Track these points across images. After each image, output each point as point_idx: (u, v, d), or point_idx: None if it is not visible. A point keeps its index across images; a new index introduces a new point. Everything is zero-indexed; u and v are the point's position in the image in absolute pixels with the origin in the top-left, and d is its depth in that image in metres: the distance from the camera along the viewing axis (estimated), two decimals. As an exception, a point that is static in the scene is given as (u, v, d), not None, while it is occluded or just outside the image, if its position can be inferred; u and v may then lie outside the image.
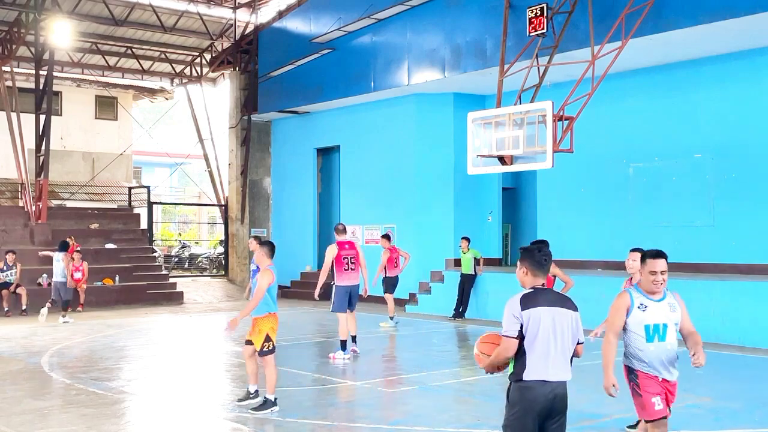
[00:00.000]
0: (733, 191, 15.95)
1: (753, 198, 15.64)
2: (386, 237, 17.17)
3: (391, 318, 16.48)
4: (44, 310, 16.95)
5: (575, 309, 5.02)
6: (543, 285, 5.06)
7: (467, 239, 17.79)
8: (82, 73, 30.19)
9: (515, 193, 22.30)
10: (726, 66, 15.99)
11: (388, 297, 16.69)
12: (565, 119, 13.89)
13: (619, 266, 17.29)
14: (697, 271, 15.47)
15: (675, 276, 15.14)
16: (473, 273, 17.82)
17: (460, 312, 17.82)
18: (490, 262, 20.23)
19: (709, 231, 16.17)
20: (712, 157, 16.28)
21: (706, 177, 16.38)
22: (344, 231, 12.58)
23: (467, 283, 17.97)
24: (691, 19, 14.13)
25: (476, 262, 17.87)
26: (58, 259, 17.53)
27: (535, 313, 4.88)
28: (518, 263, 5.16)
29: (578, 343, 5.05)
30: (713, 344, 13.54)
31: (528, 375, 4.87)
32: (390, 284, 16.81)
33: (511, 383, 5.00)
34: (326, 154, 24.96)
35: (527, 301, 4.92)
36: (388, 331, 15.92)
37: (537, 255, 5.10)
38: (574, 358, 5.06)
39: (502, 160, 14.47)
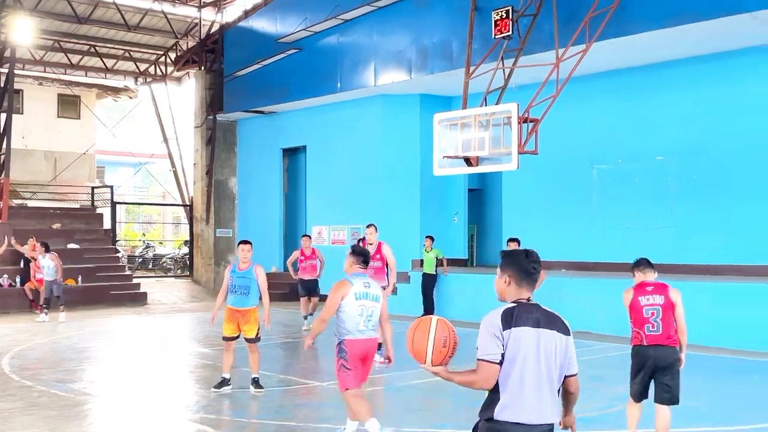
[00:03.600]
0: (694, 193, 16.20)
1: (713, 200, 15.90)
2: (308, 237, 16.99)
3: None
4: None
5: (567, 332, 3.97)
6: (528, 299, 3.98)
7: (431, 238, 17.86)
8: (44, 71, 29.78)
9: (481, 194, 22.43)
10: (687, 70, 16.23)
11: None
12: (530, 121, 14.01)
13: (583, 267, 17.58)
14: (659, 272, 15.62)
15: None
16: (435, 273, 17.88)
17: (425, 313, 17.89)
18: (455, 262, 20.31)
19: (671, 232, 16.41)
20: (674, 159, 16.52)
21: (668, 179, 16.62)
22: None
23: (429, 283, 18.02)
24: (653, 23, 14.34)
25: (439, 262, 17.92)
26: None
27: (517, 335, 3.82)
28: (498, 270, 4.06)
29: (569, 376, 3.99)
30: (675, 344, 13.74)
31: (500, 414, 3.83)
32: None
33: (480, 420, 3.99)
34: (292, 155, 24.89)
35: (509, 319, 3.84)
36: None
37: (525, 261, 4.01)
38: (570, 396, 4.08)
39: (467, 161, 14.54)
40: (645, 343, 6.88)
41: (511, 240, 14.45)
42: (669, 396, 6.86)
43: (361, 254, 7.27)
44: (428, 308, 17.94)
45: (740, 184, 15.55)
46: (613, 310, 14.98)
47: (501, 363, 3.80)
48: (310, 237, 17.17)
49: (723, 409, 8.78)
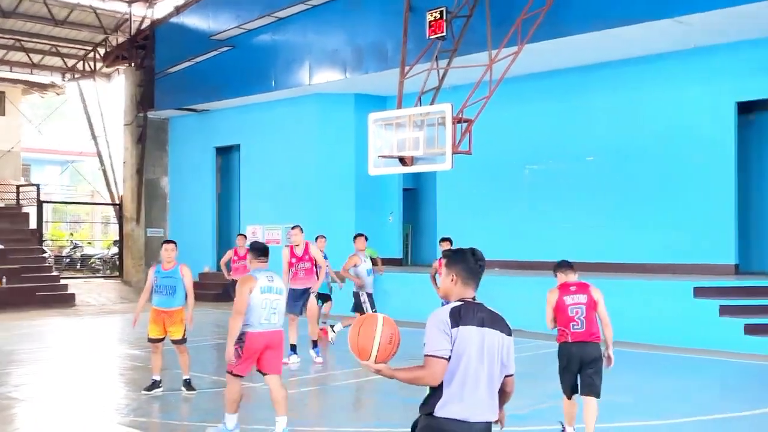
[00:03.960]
0: (624, 193, 16.59)
1: (640, 199, 16.32)
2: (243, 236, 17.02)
3: None
4: None
5: (509, 333, 4.05)
6: (474, 298, 4.04)
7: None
8: (-33, 66, 28.85)
9: (415, 194, 22.54)
10: (617, 72, 16.63)
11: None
12: (464, 121, 14.12)
13: (517, 266, 17.83)
14: (589, 270, 15.99)
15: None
16: None
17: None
18: (390, 262, 20.38)
19: (601, 231, 16.75)
20: (604, 160, 16.89)
21: (598, 179, 16.98)
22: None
23: None
24: (584, 26, 14.63)
25: (373, 261, 17.92)
26: None
27: (464, 333, 3.85)
28: (444, 269, 4.09)
29: (507, 375, 4.04)
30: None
31: (441, 410, 3.85)
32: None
33: (420, 415, 3.99)
34: (226, 154, 24.61)
35: (457, 317, 3.88)
36: None
37: (471, 260, 4.07)
38: (505, 396, 4.10)
39: (402, 161, 14.59)
40: (570, 341, 7.13)
41: (443, 240, 14.55)
42: (593, 388, 7.11)
43: (258, 249, 7.49)
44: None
45: (668, 184, 15.99)
46: (545, 308, 15.22)
47: (449, 359, 3.82)
48: (245, 236, 17.00)
49: (652, 404, 9.00)
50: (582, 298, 7.19)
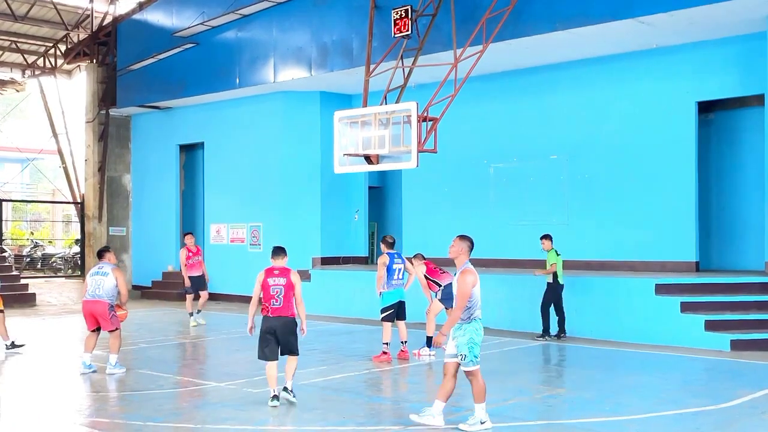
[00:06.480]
0: (586, 191, 16.76)
1: (603, 197, 16.49)
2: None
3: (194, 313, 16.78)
4: None
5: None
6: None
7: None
8: (-77, 61, 28.28)
9: (381, 192, 22.55)
10: (580, 71, 16.77)
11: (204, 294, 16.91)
12: (429, 120, 14.15)
13: (481, 263, 17.86)
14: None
15: (532, 272, 15.72)
16: None
17: None
18: (356, 260, 20.42)
19: (563, 229, 16.88)
20: (567, 158, 17.04)
21: (561, 177, 17.12)
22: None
23: None
24: (547, 26, 14.74)
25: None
26: None
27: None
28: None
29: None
30: (567, 337, 14.18)
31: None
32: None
33: None
34: (189, 151, 24.40)
35: None
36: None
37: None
38: None
39: (368, 159, 14.58)
40: None
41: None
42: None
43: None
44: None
45: (630, 182, 16.16)
46: (509, 305, 15.36)
47: None
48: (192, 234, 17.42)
49: (614, 399, 9.09)
50: None
